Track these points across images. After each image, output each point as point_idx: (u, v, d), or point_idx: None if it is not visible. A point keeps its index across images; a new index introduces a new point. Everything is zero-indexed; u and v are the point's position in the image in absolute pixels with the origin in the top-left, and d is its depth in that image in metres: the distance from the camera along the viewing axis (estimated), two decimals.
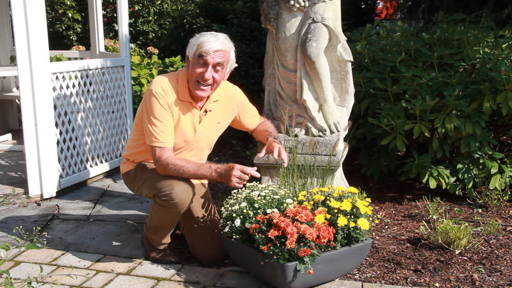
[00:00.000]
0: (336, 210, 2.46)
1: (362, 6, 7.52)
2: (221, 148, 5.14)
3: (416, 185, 4.01)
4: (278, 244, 2.30)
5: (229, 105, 2.88)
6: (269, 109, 3.26)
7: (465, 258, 2.83)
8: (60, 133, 3.91)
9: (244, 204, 2.52)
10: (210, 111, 2.77)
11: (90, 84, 4.21)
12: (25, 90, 3.66)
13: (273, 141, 2.77)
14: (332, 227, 2.40)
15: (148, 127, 2.65)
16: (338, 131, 3.14)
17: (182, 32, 7.12)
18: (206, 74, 2.60)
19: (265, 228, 2.37)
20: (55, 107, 3.84)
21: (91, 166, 4.24)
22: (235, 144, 5.07)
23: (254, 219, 2.46)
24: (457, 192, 3.63)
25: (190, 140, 2.76)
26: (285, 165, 2.70)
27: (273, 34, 3.13)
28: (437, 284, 2.55)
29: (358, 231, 2.46)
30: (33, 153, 3.75)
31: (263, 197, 2.54)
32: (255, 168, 2.58)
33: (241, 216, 2.49)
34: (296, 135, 3.11)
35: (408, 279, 2.61)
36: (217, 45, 2.60)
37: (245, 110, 2.96)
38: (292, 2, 2.98)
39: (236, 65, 2.76)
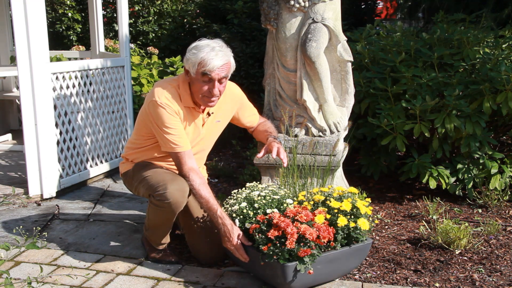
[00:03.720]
0: (336, 210, 2.46)
1: (362, 6, 7.52)
2: (221, 148, 5.14)
3: (416, 185, 4.01)
4: (278, 244, 2.30)
5: (228, 103, 2.88)
6: (269, 109, 3.26)
7: (465, 258, 2.83)
8: (60, 133, 3.91)
9: (244, 204, 2.52)
10: (212, 113, 2.78)
11: (90, 84, 4.21)
12: (25, 90, 3.66)
13: (273, 141, 2.78)
14: (332, 227, 2.40)
15: (163, 137, 2.63)
16: (338, 131, 3.14)
17: (182, 32, 7.12)
18: (214, 90, 2.60)
19: (265, 228, 2.37)
20: (55, 107, 3.84)
21: (91, 166, 4.24)
22: (235, 144, 5.07)
23: (254, 219, 2.46)
24: (457, 192, 3.63)
25: (195, 143, 2.78)
26: (285, 165, 2.70)
27: (273, 34, 3.13)
28: (437, 284, 2.55)
29: (358, 231, 2.46)
30: (33, 153, 3.75)
31: (263, 197, 2.54)
32: (247, 258, 2.51)
33: (241, 216, 2.49)
34: (296, 135, 3.11)
35: (408, 279, 2.61)
36: (219, 61, 2.57)
37: (244, 108, 2.96)
38: (292, 2, 2.98)
39: (234, 67, 2.75)
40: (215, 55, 2.58)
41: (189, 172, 2.62)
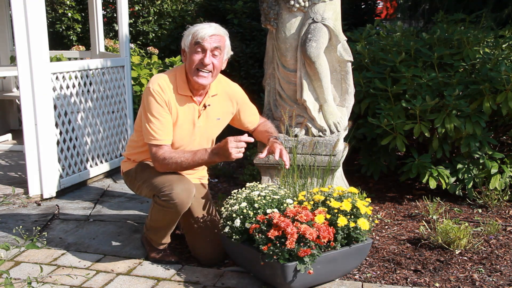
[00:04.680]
0: (336, 210, 2.46)
1: (362, 6, 7.52)
2: None
3: (416, 185, 4.01)
4: (278, 244, 2.30)
5: (229, 101, 2.87)
6: (269, 109, 3.26)
7: (465, 258, 2.83)
8: (60, 133, 3.91)
9: (244, 204, 2.52)
10: (209, 105, 2.77)
11: (90, 84, 4.21)
12: (25, 90, 3.66)
13: (275, 142, 2.77)
14: (332, 227, 2.40)
15: (145, 125, 2.65)
16: (338, 131, 3.14)
17: (182, 32, 7.10)
18: (205, 59, 2.61)
19: (265, 228, 2.37)
20: (55, 107, 3.84)
21: (91, 166, 4.24)
22: None
23: (254, 219, 2.46)
24: (457, 192, 3.63)
25: (190, 136, 2.76)
26: (287, 167, 2.69)
27: (273, 34, 3.13)
28: (437, 284, 2.55)
29: (358, 231, 2.46)
30: (33, 153, 3.75)
31: (263, 197, 2.54)
32: (246, 134, 2.56)
33: (241, 216, 2.49)
34: (296, 135, 3.11)
35: (408, 279, 2.61)
36: (211, 30, 2.62)
37: (245, 108, 2.96)
38: (292, 2, 2.98)
39: (232, 52, 2.77)
40: (208, 26, 2.65)
41: (164, 155, 2.63)
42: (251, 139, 2.55)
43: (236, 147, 2.50)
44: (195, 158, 2.62)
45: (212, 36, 2.62)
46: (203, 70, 2.63)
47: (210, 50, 2.62)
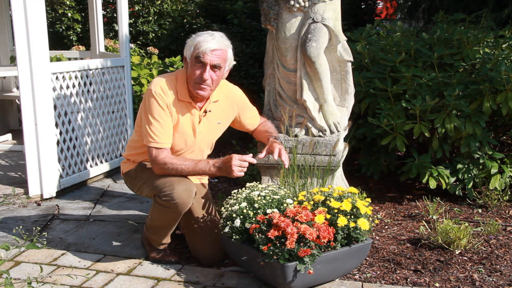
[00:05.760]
0: (336, 210, 2.46)
1: (362, 6, 7.52)
2: (221, 148, 5.13)
3: (416, 185, 4.01)
4: (278, 244, 2.30)
5: (229, 106, 2.88)
6: (269, 109, 3.26)
7: (465, 258, 2.83)
8: (60, 133, 3.91)
9: (244, 204, 2.52)
10: (209, 111, 2.77)
11: (90, 84, 4.21)
12: (25, 90, 3.66)
13: (274, 142, 2.77)
14: (332, 227, 2.40)
15: (145, 127, 2.65)
16: (338, 131, 3.14)
17: (182, 32, 7.11)
18: (204, 74, 2.60)
19: (265, 228, 2.37)
20: (55, 107, 3.84)
21: (91, 166, 4.24)
22: (235, 144, 5.07)
23: (254, 219, 2.45)
24: (457, 192, 3.63)
25: (190, 141, 2.76)
26: (286, 166, 2.69)
27: (273, 34, 3.13)
28: (437, 284, 2.55)
29: (358, 231, 2.46)
30: (33, 153, 3.75)
31: (263, 197, 2.54)
32: (251, 154, 2.59)
33: (241, 216, 2.49)
34: (296, 135, 3.11)
35: (408, 279, 2.61)
36: (213, 45, 2.59)
37: (245, 111, 2.96)
38: (292, 2, 2.98)
39: (234, 62, 2.75)
40: (211, 39, 2.60)
41: (164, 159, 2.63)
42: (255, 161, 2.59)
43: (240, 166, 2.53)
44: (196, 168, 2.63)
45: (214, 51, 2.59)
46: (202, 84, 2.63)
47: (210, 65, 2.60)
